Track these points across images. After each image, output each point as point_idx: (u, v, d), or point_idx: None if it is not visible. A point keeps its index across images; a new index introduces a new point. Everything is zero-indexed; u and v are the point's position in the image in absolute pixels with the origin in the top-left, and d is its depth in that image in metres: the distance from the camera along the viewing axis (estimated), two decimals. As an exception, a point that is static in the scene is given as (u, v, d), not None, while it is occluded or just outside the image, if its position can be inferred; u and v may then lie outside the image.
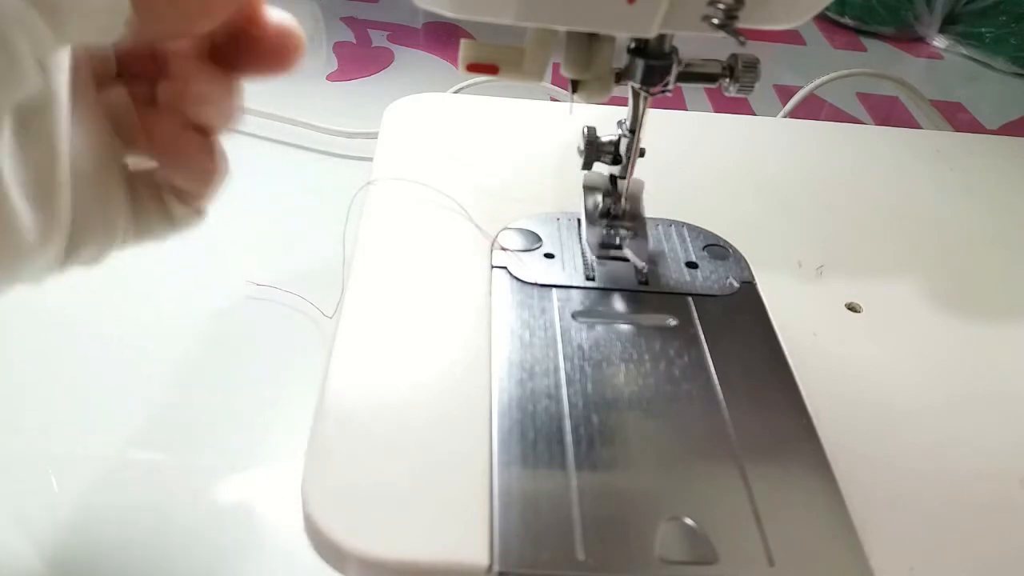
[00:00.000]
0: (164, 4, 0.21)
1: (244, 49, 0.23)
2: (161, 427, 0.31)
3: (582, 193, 0.34)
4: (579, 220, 0.34)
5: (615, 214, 0.33)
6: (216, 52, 0.24)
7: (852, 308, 0.32)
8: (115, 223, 0.23)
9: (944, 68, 0.74)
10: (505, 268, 0.32)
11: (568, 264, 0.32)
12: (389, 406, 0.26)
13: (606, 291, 0.31)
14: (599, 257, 0.32)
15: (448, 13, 0.25)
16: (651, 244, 0.33)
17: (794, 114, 0.54)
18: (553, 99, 0.54)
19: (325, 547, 0.22)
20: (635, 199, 0.33)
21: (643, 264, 0.31)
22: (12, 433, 0.31)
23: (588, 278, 0.32)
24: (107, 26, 0.19)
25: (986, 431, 0.28)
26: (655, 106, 0.31)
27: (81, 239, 0.23)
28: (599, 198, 0.33)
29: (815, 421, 0.26)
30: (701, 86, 0.37)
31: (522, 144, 0.41)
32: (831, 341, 0.31)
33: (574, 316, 0.30)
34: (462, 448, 0.25)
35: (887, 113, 0.65)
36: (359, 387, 0.26)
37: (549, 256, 0.33)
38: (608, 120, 0.32)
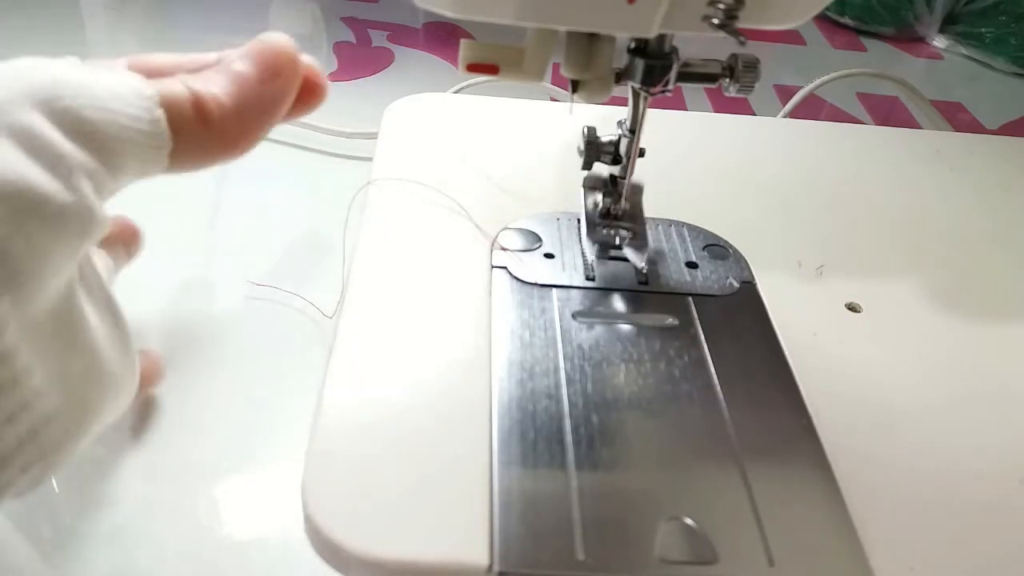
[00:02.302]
0: (201, 139, 0.22)
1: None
2: (161, 426, 0.31)
3: (582, 193, 0.34)
4: (579, 220, 0.34)
5: (615, 214, 0.33)
6: None
7: (852, 308, 0.32)
8: None
9: (944, 68, 0.74)
10: (505, 268, 0.32)
11: (568, 264, 0.32)
12: (389, 406, 0.26)
13: (606, 291, 0.31)
14: (599, 257, 0.32)
15: (448, 13, 0.25)
16: (651, 244, 0.33)
17: (794, 114, 0.54)
18: (553, 99, 0.54)
19: (325, 547, 0.22)
20: (635, 201, 0.33)
21: (643, 264, 0.31)
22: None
23: (588, 278, 0.32)
24: (151, 161, 0.21)
25: (986, 431, 0.28)
26: (655, 106, 0.31)
27: None
28: (599, 198, 0.33)
29: (815, 421, 0.26)
30: (701, 86, 0.37)
31: (522, 144, 0.41)
32: (831, 341, 0.31)
33: (574, 316, 0.30)
34: (462, 448, 0.25)
35: (887, 113, 0.65)
36: (359, 387, 0.26)
37: (549, 256, 0.33)
38: (608, 120, 0.32)
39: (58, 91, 0.19)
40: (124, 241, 0.30)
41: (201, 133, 0.22)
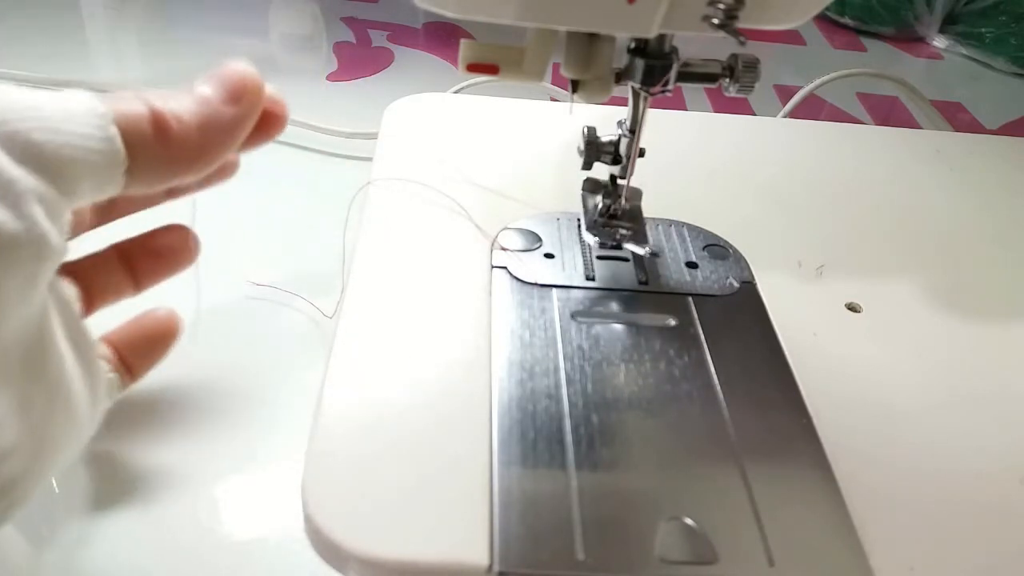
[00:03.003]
0: (159, 157, 0.22)
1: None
2: (160, 426, 0.31)
3: (582, 195, 0.34)
4: (579, 220, 0.34)
5: (614, 214, 0.33)
6: None
7: (852, 308, 0.32)
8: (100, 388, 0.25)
9: (944, 68, 0.74)
10: (505, 268, 0.32)
11: (568, 264, 0.32)
12: (389, 406, 0.26)
13: (606, 291, 0.31)
14: (599, 257, 0.32)
15: (448, 13, 0.25)
16: (651, 244, 0.33)
17: (794, 114, 0.54)
18: (553, 99, 0.54)
19: (325, 547, 0.22)
20: (635, 203, 0.33)
21: (646, 250, 0.31)
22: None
23: (588, 278, 0.32)
24: (107, 181, 0.21)
25: (986, 431, 0.28)
26: (655, 106, 0.31)
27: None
28: (599, 199, 0.33)
29: (815, 421, 0.26)
30: (701, 86, 0.37)
31: (522, 144, 0.41)
32: (831, 341, 0.31)
33: (574, 316, 0.30)
34: (462, 448, 0.25)
35: (887, 113, 0.65)
36: (359, 387, 0.26)
37: (549, 256, 0.33)
38: (608, 120, 0.32)
39: (4, 115, 0.19)
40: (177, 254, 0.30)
41: (160, 150, 0.22)
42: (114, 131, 0.20)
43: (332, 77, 0.60)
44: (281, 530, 0.29)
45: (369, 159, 0.39)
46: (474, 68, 0.28)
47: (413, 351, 0.28)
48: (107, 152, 0.20)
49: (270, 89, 0.25)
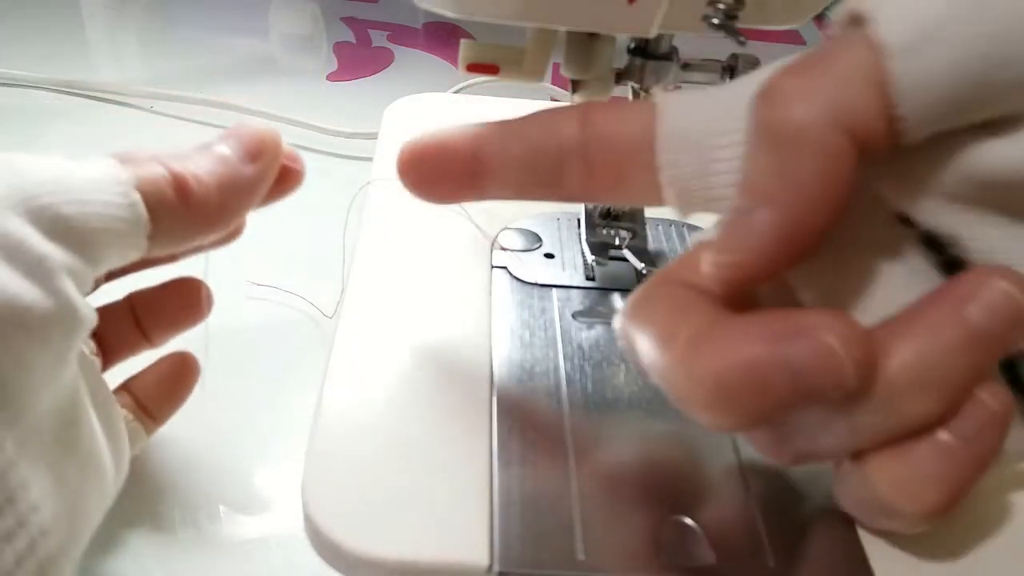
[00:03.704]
0: (181, 219, 0.22)
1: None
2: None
3: None
4: (579, 220, 0.34)
5: (615, 214, 0.33)
6: None
7: (852, 308, 0.32)
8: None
9: (944, 68, 0.74)
10: (505, 268, 0.32)
11: (568, 264, 0.32)
12: (389, 406, 0.26)
13: (606, 291, 0.31)
14: (599, 257, 0.32)
15: (448, 13, 0.25)
16: (651, 244, 0.33)
17: (794, 114, 0.54)
18: (553, 99, 0.54)
19: (325, 547, 0.22)
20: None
21: (642, 266, 0.31)
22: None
23: (588, 278, 0.32)
24: (131, 246, 0.21)
25: (986, 431, 0.28)
26: (655, 106, 0.31)
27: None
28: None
29: (815, 421, 0.26)
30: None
31: (522, 144, 0.41)
32: (831, 341, 0.31)
33: (574, 316, 0.30)
34: (462, 448, 0.25)
35: (887, 113, 0.64)
36: (359, 387, 0.26)
37: (549, 256, 0.33)
38: (608, 120, 0.32)
39: (34, 190, 0.19)
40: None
41: (181, 212, 0.22)
42: (137, 198, 0.21)
43: (332, 77, 0.60)
44: (281, 530, 0.29)
45: (369, 159, 0.39)
46: (474, 68, 0.28)
47: (413, 351, 0.28)
48: (131, 220, 0.20)
49: (286, 146, 0.25)
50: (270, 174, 0.24)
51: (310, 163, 0.44)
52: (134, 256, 0.22)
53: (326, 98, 0.57)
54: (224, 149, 0.23)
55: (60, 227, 0.19)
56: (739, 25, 0.24)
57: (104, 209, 0.20)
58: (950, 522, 0.24)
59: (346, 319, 0.29)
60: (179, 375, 0.29)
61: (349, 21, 0.69)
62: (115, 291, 0.28)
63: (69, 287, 0.19)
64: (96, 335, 0.27)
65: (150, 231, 0.21)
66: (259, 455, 0.31)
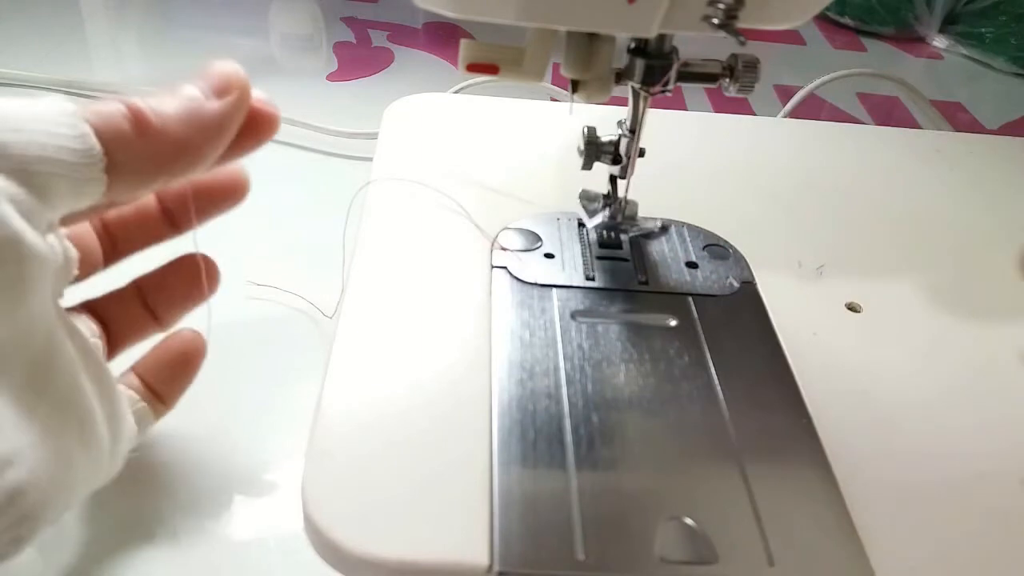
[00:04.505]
0: (140, 151, 0.21)
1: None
2: (159, 426, 0.31)
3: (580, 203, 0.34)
4: (579, 220, 0.34)
5: (613, 215, 0.33)
6: None
7: (852, 308, 0.32)
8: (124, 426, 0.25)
9: (944, 68, 0.74)
10: (505, 268, 0.32)
11: (568, 264, 0.32)
12: (389, 406, 0.26)
13: (606, 291, 0.31)
14: (599, 258, 0.32)
15: (448, 13, 0.25)
16: (651, 244, 0.33)
17: (794, 114, 0.54)
18: (553, 99, 0.54)
19: (325, 547, 0.22)
20: (632, 212, 0.33)
21: (657, 223, 0.31)
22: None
23: (588, 278, 0.32)
24: (86, 181, 0.20)
25: (986, 431, 0.28)
26: (655, 106, 0.31)
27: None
28: (597, 206, 0.33)
29: (815, 421, 0.26)
30: (701, 86, 0.37)
31: (522, 144, 0.41)
32: (831, 341, 0.31)
33: (574, 316, 0.30)
34: (462, 448, 0.25)
35: (887, 113, 0.65)
36: (359, 387, 0.26)
37: (549, 256, 0.33)
38: (608, 120, 0.32)
39: None
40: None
41: (139, 145, 0.21)
42: (86, 128, 0.20)
43: (332, 77, 0.60)
44: (281, 530, 0.29)
45: (369, 159, 0.39)
46: (474, 68, 0.28)
47: (413, 351, 0.28)
48: (80, 150, 0.20)
49: (259, 92, 0.24)
50: (238, 110, 0.23)
51: (310, 163, 0.44)
52: (93, 193, 0.21)
53: (326, 98, 0.57)
54: (189, 87, 0.23)
55: (3, 156, 0.18)
56: (739, 25, 0.24)
57: (47, 139, 0.19)
58: (950, 522, 0.24)
59: (346, 319, 0.29)
60: (185, 353, 0.29)
61: (349, 21, 0.69)
62: (121, 279, 0.28)
63: (8, 212, 0.18)
64: (104, 320, 0.28)
65: (106, 165, 0.20)
66: (259, 455, 0.31)
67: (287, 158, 0.49)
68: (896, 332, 0.32)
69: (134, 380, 0.28)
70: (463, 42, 0.28)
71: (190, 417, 0.32)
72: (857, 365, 0.30)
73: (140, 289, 0.29)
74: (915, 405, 0.28)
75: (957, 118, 0.64)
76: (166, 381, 0.28)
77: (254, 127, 0.24)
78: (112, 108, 0.21)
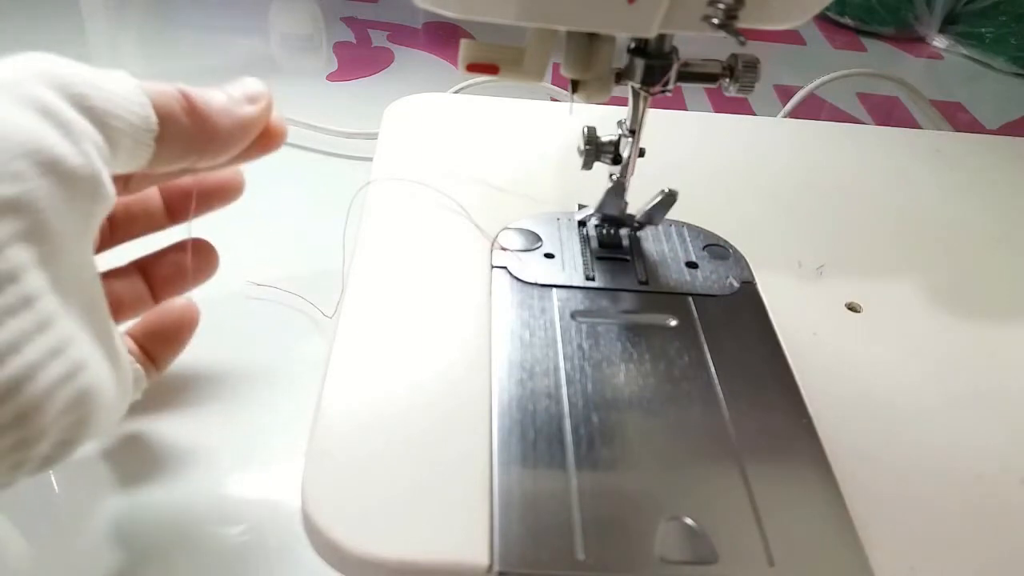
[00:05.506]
0: (184, 129, 0.24)
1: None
2: (160, 426, 0.31)
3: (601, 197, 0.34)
4: (579, 221, 0.34)
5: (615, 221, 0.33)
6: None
7: (852, 308, 0.32)
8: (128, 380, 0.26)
9: (944, 68, 0.74)
10: (505, 268, 0.32)
11: (568, 264, 0.32)
12: (389, 406, 0.26)
13: (606, 291, 0.31)
14: (599, 258, 0.32)
15: (449, 13, 0.25)
16: (651, 244, 0.33)
17: (794, 114, 0.54)
18: (553, 99, 0.54)
19: (325, 547, 0.22)
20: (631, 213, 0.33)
21: (664, 190, 0.31)
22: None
23: (588, 278, 0.32)
24: (140, 144, 0.23)
25: (986, 431, 0.28)
26: (655, 106, 0.31)
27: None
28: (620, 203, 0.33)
29: (815, 421, 0.26)
30: (701, 86, 0.37)
31: (522, 144, 0.41)
32: (831, 341, 0.31)
33: (574, 316, 0.30)
34: (462, 448, 0.25)
35: (887, 113, 0.65)
36: (359, 387, 0.26)
37: (549, 256, 0.33)
38: (608, 120, 0.32)
39: (67, 78, 0.21)
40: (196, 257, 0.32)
41: (186, 123, 0.24)
42: (146, 99, 0.23)
43: (332, 77, 0.60)
44: (281, 529, 0.29)
45: (369, 159, 0.39)
46: (474, 68, 0.28)
47: (413, 351, 0.28)
48: (142, 115, 0.23)
49: (275, 113, 0.28)
50: (262, 118, 0.27)
51: (310, 163, 0.44)
52: (143, 158, 0.23)
53: (326, 98, 0.57)
54: (230, 89, 0.27)
55: (87, 105, 0.21)
56: (739, 25, 0.24)
57: (120, 100, 0.22)
58: (950, 522, 0.24)
59: (346, 319, 0.29)
60: (181, 320, 0.30)
61: (349, 21, 0.69)
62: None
63: (95, 155, 0.21)
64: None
65: (158, 134, 0.23)
66: (259, 455, 0.31)
67: (287, 158, 0.49)
68: (896, 332, 0.32)
69: (130, 343, 0.29)
70: (463, 42, 0.28)
71: (189, 416, 0.32)
72: (857, 365, 0.30)
73: (140, 267, 0.30)
74: (915, 405, 0.28)
75: (957, 118, 0.64)
76: (160, 345, 0.29)
77: (266, 138, 0.28)
78: (167, 88, 0.24)
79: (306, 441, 0.25)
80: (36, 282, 0.19)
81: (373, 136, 0.43)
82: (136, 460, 0.31)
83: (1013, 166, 0.44)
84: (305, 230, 0.43)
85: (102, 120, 0.21)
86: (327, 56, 0.63)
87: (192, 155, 0.25)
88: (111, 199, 0.22)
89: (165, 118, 0.24)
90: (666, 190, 0.31)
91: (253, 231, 0.42)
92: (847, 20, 0.78)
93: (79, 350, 0.20)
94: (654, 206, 0.32)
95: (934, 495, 0.25)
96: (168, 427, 0.29)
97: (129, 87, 0.23)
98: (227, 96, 0.26)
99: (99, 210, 0.22)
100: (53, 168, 0.19)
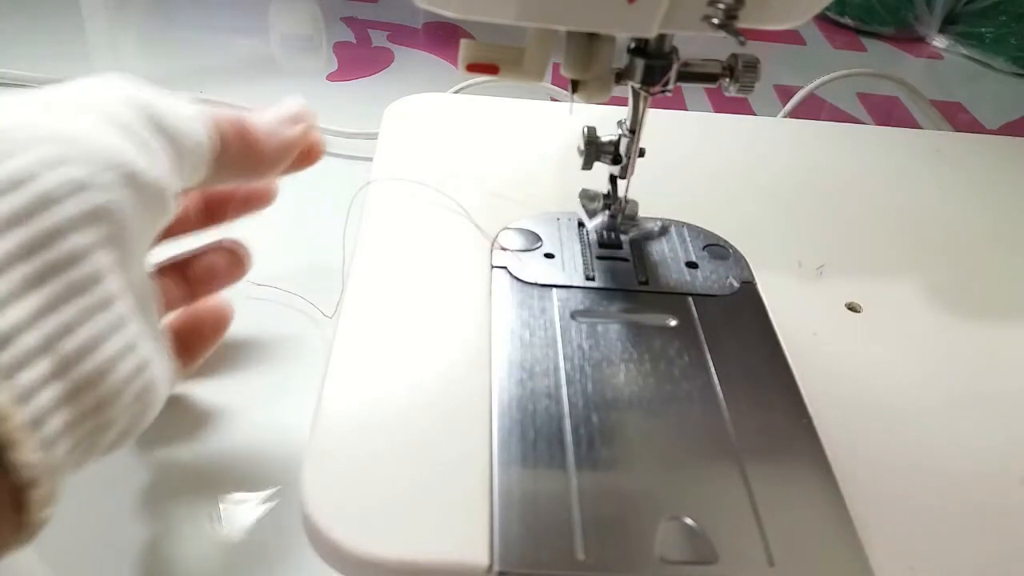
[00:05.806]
0: (236, 152, 0.26)
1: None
2: (159, 426, 0.31)
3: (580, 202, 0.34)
4: (579, 221, 0.34)
5: (613, 215, 0.33)
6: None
7: (852, 308, 0.32)
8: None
9: (944, 68, 0.74)
10: (505, 268, 0.32)
11: (568, 264, 0.32)
12: (389, 406, 0.26)
13: (606, 291, 0.31)
14: (599, 258, 0.32)
15: (449, 13, 0.25)
16: (651, 244, 0.33)
17: (794, 114, 0.54)
18: (553, 99, 0.54)
19: (325, 547, 0.22)
20: (632, 211, 0.33)
21: (657, 224, 0.32)
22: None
23: (588, 278, 0.32)
24: (200, 164, 0.25)
25: (986, 431, 0.28)
26: (655, 106, 0.31)
27: None
28: (597, 206, 0.33)
29: (815, 421, 0.27)
30: (701, 86, 0.37)
31: (522, 144, 0.41)
32: (831, 341, 0.31)
33: (574, 316, 0.30)
34: (462, 448, 0.25)
35: (887, 113, 0.65)
36: (359, 387, 0.26)
37: (549, 256, 0.33)
38: (608, 120, 0.32)
39: (146, 100, 0.23)
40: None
41: (237, 147, 0.26)
42: (208, 122, 0.25)
43: (332, 77, 0.60)
44: (281, 530, 0.29)
45: (369, 159, 0.39)
46: (474, 68, 0.28)
47: (413, 351, 0.28)
48: (204, 137, 0.25)
49: (314, 129, 0.30)
50: (304, 139, 0.29)
51: (310, 163, 0.44)
52: (199, 176, 0.25)
53: (326, 98, 0.57)
54: (277, 110, 0.29)
55: (161, 125, 0.23)
56: (739, 25, 0.24)
57: (187, 121, 0.24)
58: (950, 522, 0.24)
59: (346, 319, 0.29)
60: (217, 317, 0.31)
61: (349, 21, 0.69)
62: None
63: (166, 171, 0.23)
64: None
65: (215, 154, 0.25)
66: (259, 454, 0.31)
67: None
68: (896, 332, 0.32)
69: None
70: (463, 42, 0.28)
71: (189, 416, 0.32)
72: (857, 365, 0.30)
73: (176, 266, 0.31)
74: (915, 405, 0.28)
75: (957, 118, 0.64)
76: (194, 342, 0.30)
77: (306, 154, 0.30)
78: (223, 112, 0.26)
79: (306, 441, 0.24)
80: (114, 284, 0.20)
81: (373, 136, 0.43)
82: (133, 460, 0.31)
83: (1013, 166, 0.44)
84: (305, 230, 0.43)
85: (173, 140, 0.23)
86: (327, 56, 0.63)
87: (241, 174, 0.28)
88: (173, 211, 0.23)
89: (222, 139, 0.25)
90: (658, 226, 0.32)
91: (253, 231, 0.42)
92: (847, 20, 0.77)
93: (145, 347, 0.22)
94: (647, 231, 0.32)
95: (934, 495, 0.25)
96: (167, 427, 0.29)
97: (193, 111, 0.25)
98: (274, 118, 0.28)
99: (163, 221, 0.23)
100: (132, 181, 0.21)
